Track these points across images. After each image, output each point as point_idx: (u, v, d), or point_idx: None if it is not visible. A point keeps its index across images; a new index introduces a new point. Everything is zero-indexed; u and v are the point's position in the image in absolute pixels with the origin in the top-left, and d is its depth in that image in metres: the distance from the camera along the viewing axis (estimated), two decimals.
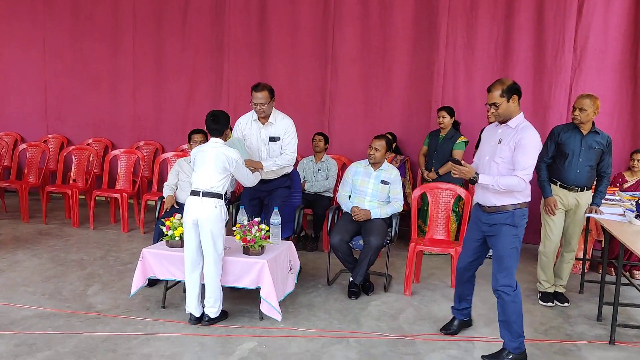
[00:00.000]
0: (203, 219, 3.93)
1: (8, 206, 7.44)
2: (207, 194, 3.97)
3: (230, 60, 7.54)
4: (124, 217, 6.60)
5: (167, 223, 4.31)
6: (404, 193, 6.59)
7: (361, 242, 4.78)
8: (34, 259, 5.48)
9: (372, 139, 5.02)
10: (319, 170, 6.31)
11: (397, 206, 4.96)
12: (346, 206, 5.00)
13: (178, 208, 5.20)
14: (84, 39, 8.06)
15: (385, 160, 5.06)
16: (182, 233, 4.23)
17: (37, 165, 7.35)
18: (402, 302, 4.74)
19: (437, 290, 5.06)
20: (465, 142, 6.15)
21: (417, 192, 5.21)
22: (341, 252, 4.76)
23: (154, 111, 7.99)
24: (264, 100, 4.59)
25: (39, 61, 8.28)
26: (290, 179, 4.98)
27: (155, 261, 4.23)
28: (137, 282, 4.24)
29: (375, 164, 4.98)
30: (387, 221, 4.97)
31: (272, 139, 4.76)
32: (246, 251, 4.16)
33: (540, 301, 4.77)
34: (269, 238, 4.25)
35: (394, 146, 6.73)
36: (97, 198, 6.76)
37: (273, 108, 4.76)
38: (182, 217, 4.24)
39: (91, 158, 7.35)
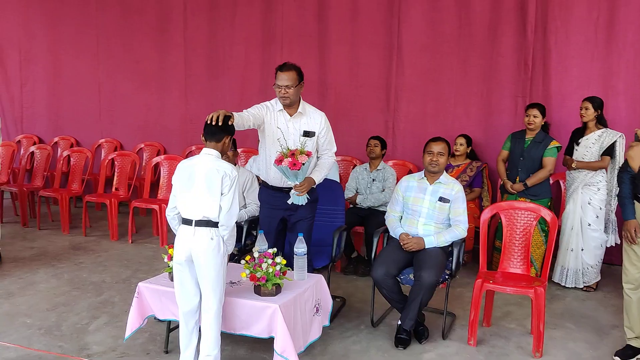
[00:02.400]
0: (197, 254, 3.12)
1: (55, 214, 7.08)
2: (200, 223, 3.12)
3: (284, 53, 6.71)
4: (162, 230, 6.01)
5: (170, 251, 3.55)
6: (481, 207, 5.55)
7: (411, 276, 3.81)
8: (52, 280, 4.97)
9: (428, 142, 4.02)
10: (373, 180, 5.36)
11: (460, 231, 3.93)
12: (394, 231, 4.04)
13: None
14: (134, 35, 7.57)
15: (445, 172, 4.04)
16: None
17: (81, 172, 6.93)
18: (465, 354, 3.71)
19: (512, 337, 3.97)
20: (557, 147, 5.00)
21: (487, 214, 4.13)
22: (386, 289, 3.80)
23: (206, 112, 7.31)
24: (291, 82, 3.68)
25: (93, 61, 7.89)
26: (316, 190, 3.96)
27: (153, 298, 3.50)
28: (133, 323, 3.51)
29: (433, 176, 3.98)
30: (447, 249, 3.95)
31: (307, 133, 3.80)
32: (257, 291, 3.32)
33: (615, 356, 3.63)
34: (287, 273, 3.39)
35: (469, 150, 5.67)
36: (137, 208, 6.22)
37: (301, 99, 3.85)
38: None
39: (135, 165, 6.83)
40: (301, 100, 3.84)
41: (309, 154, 3.56)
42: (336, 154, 6.09)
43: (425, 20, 6.06)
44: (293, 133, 3.79)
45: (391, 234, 4.08)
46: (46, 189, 6.88)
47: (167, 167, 6.49)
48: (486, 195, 5.72)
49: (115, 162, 6.79)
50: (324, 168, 3.87)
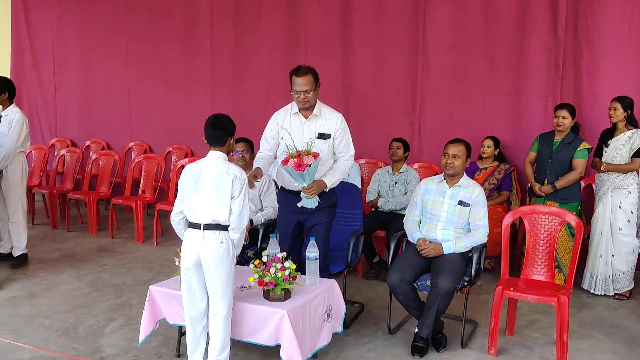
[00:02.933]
0: (206, 259, 3.07)
1: (84, 216, 7.18)
2: (209, 227, 3.07)
3: (308, 56, 6.65)
4: None
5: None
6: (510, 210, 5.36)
7: (428, 282, 3.68)
8: (74, 281, 5.02)
9: (446, 144, 3.89)
10: (396, 183, 5.24)
11: (480, 236, 3.79)
12: (412, 236, 3.92)
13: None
14: (162, 40, 7.63)
15: (465, 175, 3.90)
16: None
17: (109, 175, 7.01)
18: None
19: (536, 347, 3.80)
20: (588, 149, 4.80)
21: (508, 219, 3.97)
22: (402, 295, 3.69)
23: (233, 115, 7.26)
24: (309, 87, 3.61)
25: (122, 66, 7.99)
26: (335, 194, 3.90)
27: (164, 302, 3.47)
28: (146, 326, 3.49)
29: (452, 178, 3.85)
30: (467, 255, 3.82)
31: (322, 135, 3.71)
32: (266, 295, 3.26)
33: None
34: (298, 278, 3.32)
35: (497, 153, 5.50)
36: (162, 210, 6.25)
37: (317, 101, 3.76)
38: None
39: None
40: (317, 101, 3.77)
41: (315, 155, 3.48)
42: (361, 156, 6.21)
43: (451, 20, 5.91)
44: (308, 135, 3.72)
45: (409, 238, 3.97)
46: (75, 192, 6.98)
47: None
48: (515, 199, 5.53)
49: (142, 165, 6.83)
50: (338, 172, 3.77)
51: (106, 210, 7.58)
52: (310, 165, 3.45)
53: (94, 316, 4.26)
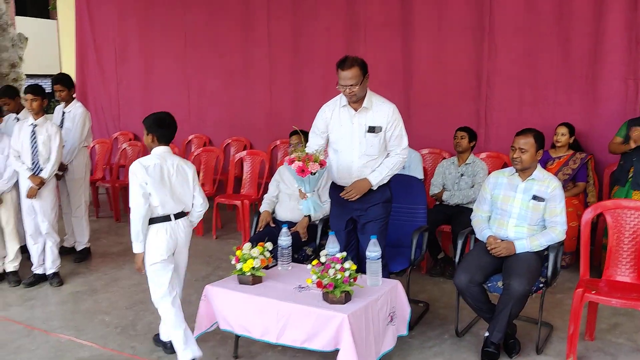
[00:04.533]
0: (180, 244, 3.48)
1: None
2: (179, 215, 3.42)
3: (367, 42, 6.41)
4: (245, 226, 5.93)
5: (238, 253, 3.41)
6: (586, 203, 4.99)
7: (500, 284, 3.41)
8: (134, 276, 5.01)
9: (515, 136, 3.59)
10: (462, 175, 4.95)
11: (557, 234, 3.48)
12: (481, 233, 3.65)
13: (274, 227, 4.30)
14: (219, 31, 7.54)
15: (539, 166, 3.59)
16: (254, 267, 3.32)
17: None
18: None
19: (619, 354, 3.49)
20: None
21: (589, 214, 3.64)
22: (470, 297, 3.44)
23: (291, 106, 7.19)
24: (355, 80, 3.34)
25: (181, 58, 7.98)
26: (390, 189, 3.66)
27: (218, 302, 3.36)
28: (201, 324, 3.41)
29: (524, 172, 3.56)
30: (542, 254, 3.52)
31: (372, 129, 3.46)
32: (326, 298, 3.09)
33: None
34: (358, 279, 3.12)
35: (571, 141, 5.11)
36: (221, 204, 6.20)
37: (367, 89, 3.50)
38: (272, 244, 3.48)
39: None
40: (368, 92, 3.51)
41: (322, 164, 3.27)
42: (423, 146, 5.93)
43: None
44: (358, 129, 3.49)
45: (478, 236, 3.70)
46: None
47: (250, 163, 6.42)
48: (592, 191, 5.14)
49: (201, 158, 6.81)
50: (387, 168, 3.53)
51: None
52: (313, 174, 3.26)
53: (152, 313, 4.19)
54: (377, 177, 3.51)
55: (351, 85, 3.35)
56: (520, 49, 5.59)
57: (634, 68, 5.04)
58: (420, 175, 5.18)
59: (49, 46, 14.32)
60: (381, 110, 3.49)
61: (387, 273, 3.61)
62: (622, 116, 4.83)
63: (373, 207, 3.55)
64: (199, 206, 3.53)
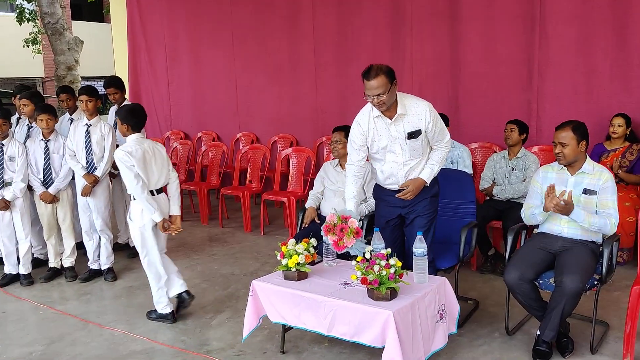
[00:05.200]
0: (165, 214, 4.08)
1: (197, 206, 7.35)
2: (160, 190, 4.09)
3: (414, 34, 6.32)
4: (291, 223, 5.96)
5: (283, 249, 3.42)
6: None
7: (552, 281, 3.31)
8: (186, 271, 5.08)
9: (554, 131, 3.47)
10: (513, 169, 4.82)
11: (610, 225, 3.32)
12: (533, 217, 3.53)
13: (319, 223, 4.30)
14: (266, 28, 7.59)
15: (588, 159, 3.46)
16: (299, 263, 3.33)
17: (218, 166, 7.13)
18: None
19: None
20: None
21: None
22: (521, 295, 3.35)
23: (337, 101, 7.16)
24: (383, 89, 3.21)
25: (229, 57, 8.08)
26: (437, 183, 3.60)
27: (265, 297, 3.39)
28: (250, 322, 3.43)
29: (572, 166, 3.43)
30: (597, 250, 3.39)
31: (412, 135, 3.38)
32: (371, 294, 3.07)
33: None
34: (404, 276, 3.09)
35: (628, 132, 4.91)
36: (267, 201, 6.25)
37: (397, 93, 3.37)
38: (316, 240, 3.48)
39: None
40: (398, 96, 3.37)
41: (358, 234, 3.20)
42: (473, 140, 5.81)
43: None
44: (397, 137, 3.41)
45: (531, 222, 3.58)
46: (187, 182, 7.19)
47: (296, 159, 6.45)
48: None
49: (249, 156, 6.88)
50: (436, 163, 3.49)
51: (217, 200, 7.73)
52: (348, 248, 3.25)
53: (202, 308, 4.29)
54: (429, 174, 3.48)
55: (379, 94, 3.24)
56: (572, 37, 5.40)
57: None
58: (469, 170, 5.07)
59: (104, 49, 14.75)
60: (416, 113, 3.38)
61: (434, 270, 3.56)
62: None
63: (421, 202, 3.50)
64: (174, 178, 4.20)
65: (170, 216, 4.13)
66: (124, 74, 9.24)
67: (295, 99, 7.53)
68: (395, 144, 3.43)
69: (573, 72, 5.45)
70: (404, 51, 6.44)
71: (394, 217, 3.62)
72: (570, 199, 3.27)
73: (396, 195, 3.49)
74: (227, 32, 8.02)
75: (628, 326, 3.21)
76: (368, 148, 3.53)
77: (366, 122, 3.46)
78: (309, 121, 7.43)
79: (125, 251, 5.62)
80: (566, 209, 3.27)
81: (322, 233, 3.36)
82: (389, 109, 3.36)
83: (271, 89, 7.72)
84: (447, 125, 5.01)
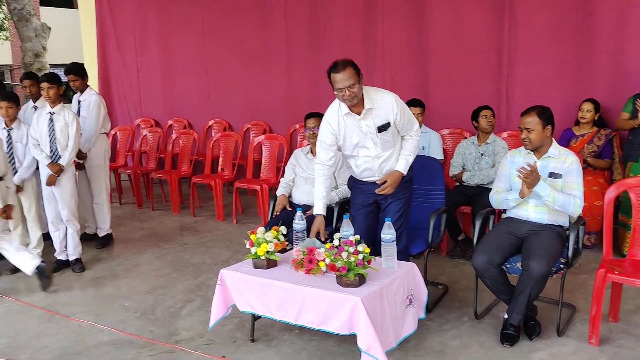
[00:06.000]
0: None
1: (168, 195, 7.27)
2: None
3: (385, 20, 6.29)
4: (264, 211, 5.93)
5: (252, 237, 3.39)
6: (612, 181, 4.86)
7: (519, 265, 3.34)
8: (155, 261, 5.06)
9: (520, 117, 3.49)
10: (482, 155, 4.84)
11: (575, 205, 3.34)
12: (505, 201, 3.55)
13: (291, 211, 4.28)
14: (236, 14, 7.50)
15: (554, 143, 3.49)
16: (268, 251, 3.30)
17: (189, 154, 7.05)
18: (584, 355, 3.21)
19: None
20: None
21: (611, 193, 3.52)
22: (489, 279, 3.37)
23: (310, 88, 7.10)
24: (353, 80, 3.19)
25: (200, 42, 7.96)
26: (412, 170, 3.60)
27: (233, 286, 3.36)
28: (217, 311, 3.39)
29: (538, 150, 3.46)
30: (563, 234, 3.42)
31: (382, 128, 3.38)
32: (339, 281, 3.06)
33: None
34: (372, 262, 3.08)
35: (596, 117, 4.98)
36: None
37: (364, 90, 3.35)
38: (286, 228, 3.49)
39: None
40: (364, 91, 3.35)
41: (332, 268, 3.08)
42: (443, 126, 5.82)
43: None
44: (368, 132, 3.41)
45: (502, 206, 3.61)
46: (158, 171, 7.09)
47: (269, 147, 6.40)
48: (618, 168, 4.99)
49: (220, 143, 6.80)
50: (410, 153, 3.51)
51: (189, 188, 7.65)
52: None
53: (171, 297, 4.25)
54: (405, 165, 3.50)
55: (350, 85, 3.20)
56: (541, 24, 5.43)
57: None
58: (440, 155, 5.09)
59: (74, 36, 14.44)
60: (384, 106, 3.37)
61: (407, 256, 3.57)
62: None
63: (396, 188, 3.51)
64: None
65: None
66: (92, 61, 9.06)
67: (268, 86, 7.46)
68: (367, 139, 3.43)
69: (542, 59, 5.48)
70: (375, 38, 6.41)
71: (369, 204, 3.63)
72: (535, 169, 3.30)
73: (375, 191, 3.51)
74: (197, 19, 7.90)
75: (593, 309, 3.27)
76: (339, 147, 3.53)
77: (336, 121, 3.44)
78: (282, 108, 7.38)
79: (93, 241, 5.53)
80: (531, 177, 3.29)
81: (294, 223, 3.33)
82: (356, 105, 3.34)
83: (243, 76, 7.64)
84: (423, 110, 5.04)
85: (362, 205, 3.66)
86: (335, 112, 3.44)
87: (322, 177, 3.56)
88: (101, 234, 5.52)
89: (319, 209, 3.53)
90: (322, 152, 3.55)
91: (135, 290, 4.41)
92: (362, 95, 3.33)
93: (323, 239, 3.48)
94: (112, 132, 8.00)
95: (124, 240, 5.73)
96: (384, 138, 3.42)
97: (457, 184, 4.98)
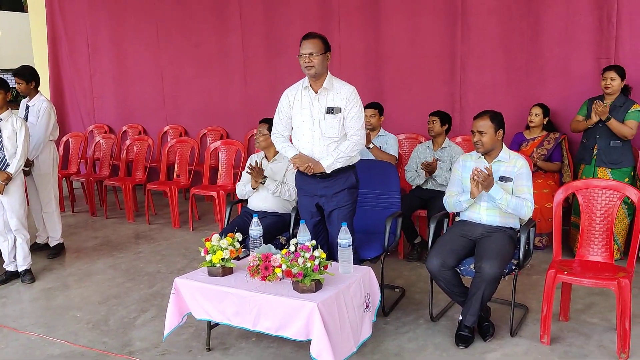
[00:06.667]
0: None
1: (123, 203, 7.11)
2: None
3: (342, 27, 6.34)
4: (221, 217, 5.87)
5: (207, 244, 3.35)
6: (562, 184, 5.00)
7: (472, 267, 3.39)
8: (109, 270, 4.95)
9: (472, 120, 3.58)
10: (438, 160, 4.91)
11: (526, 208, 3.43)
12: (458, 203, 3.60)
13: (247, 218, 4.25)
14: (192, 19, 7.42)
15: (505, 147, 3.57)
16: (223, 258, 3.27)
17: (144, 160, 6.93)
18: (536, 354, 3.28)
19: (594, 334, 3.48)
20: None
21: (560, 195, 3.62)
22: (443, 281, 3.42)
23: (267, 93, 7.06)
24: (314, 50, 3.37)
25: (154, 46, 7.83)
26: (355, 174, 3.62)
27: (189, 295, 3.31)
28: (172, 320, 3.33)
29: (489, 155, 3.54)
30: (515, 236, 3.50)
31: (331, 110, 3.44)
32: (296, 287, 3.05)
33: None
34: (329, 267, 3.08)
35: (545, 121, 5.12)
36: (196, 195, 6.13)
37: (329, 74, 3.51)
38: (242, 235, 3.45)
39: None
40: (329, 75, 3.51)
41: (288, 274, 3.05)
42: (400, 131, 5.88)
43: None
44: (318, 111, 3.48)
45: (456, 209, 3.67)
46: (112, 178, 6.94)
47: (226, 152, 6.34)
48: (567, 171, 5.14)
49: (176, 149, 6.71)
50: (342, 154, 3.47)
51: (144, 195, 7.52)
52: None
53: (125, 307, 4.15)
54: (330, 163, 3.47)
55: (310, 54, 3.36)
56: (493, 31, 5.56)
57: (606, 47, 5.03)
58: (395, 153, 5.15)
59: (23, 40, 14.05)
60: (341, 92, 3.48)
61: (357, 260, 3.59)
62: (594, 95, 4.81)
63: (338, 194, 3.53)
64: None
65: None
66: (43, 66, 8.81)
67: (225, 91, 7.41)
68: (315, 118, 3.49)
69: (493, 65, 5.62)
70: (332, 43, 6.36)
71: (313, 208, 3.64)
72: (490, 172, 3.36)
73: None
74: (151, 23, 7.78)
75: (544, 309, 3.34)
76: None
77: (294, 92, 3.58)
78: (239, 113, 7.34)
79: (44, 251, 5.37)
80: (487, 180, 3.35)
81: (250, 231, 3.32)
82: (316, 82, 3.46)
83: (200, 81, 7.56)
84: (379, 113, 5.08)
85: (307, 209, 3.68)
86: (297, 86, 3.60)
87: (282, 142, 3.66)
88: (52, 243, 5.36)
89: (293, 151, 3.58)
90: (279, 123, 3.66)
91: (88, 301, 4.30)
92: (325, 77, 3.45)
93: (311, 165, 3.48)
94: (64, 138, 7.82)
95: (76, 249, 5.58)
96: (329, 122, 3.46)
97: (413, 187, 5.04)
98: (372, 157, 4.79)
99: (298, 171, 3.65)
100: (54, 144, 5.27)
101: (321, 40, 3.43)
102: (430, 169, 4.80)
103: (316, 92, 3.48)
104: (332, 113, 3.45)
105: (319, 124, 3.47)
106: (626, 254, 3.76)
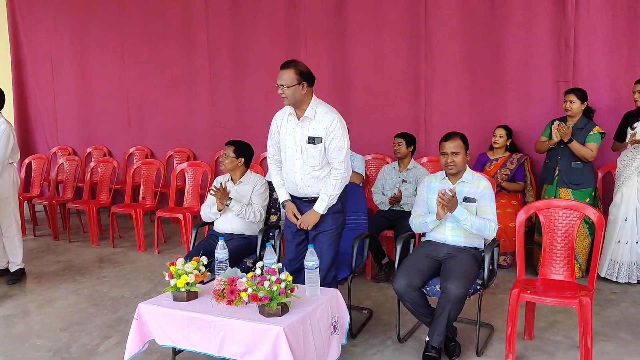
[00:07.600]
0: None
1: (87, 226, 6.98)
2: None
3: (308, 48, 6.40)
4: (187, 240, 5.80)
5: (171, 268, 3.30)
6: (525, 203, 5.09)
7: (438, 287, 3.42)
8: (71, 296, 4.83)
9: (440, 141, 3.62)
10: (403, 181, 4.96)
11: (490, 228, 3.48)
12: (424, 224, 3.63)
13: (213, 240, 4.20)
14: (158, 40, 7.41)
15: (468, 168, 3.64)
16: (188, 282, 3.22)
17: (108, 183, 6.82)
18: None
19: (557, 352, 3.53)
20: (601, 133, 4.61)
21: (522, 215, 3.68)
22: (410, 302, 3.43)
23: (234, 114, 7.10)
24: (287, 82, 3.30)
25: (119, 69, 7.78)
26: (342, 199, 3.59)
27: (152, 320, 3.24)
28: (132, 347, 3.22)
29: (454, 175, 3.59)
30: (479, 257, 3.54)
31: (311, 140, 3.41)
32: (262, 311, 3.02)
33: None
34: (296, 290, 3.07)
35: (509, 143, 5.22)
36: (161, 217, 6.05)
37: (314, 99, 3.44)
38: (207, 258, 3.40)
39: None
40: (313, 101, 3.44)
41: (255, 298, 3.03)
42: (366, 152, 5.93)
43: (454, 2, 5.60)
44: (300, 139, 3.47)
45: (421, 230, 3.70)
46: (75, 201, 6.81)
47: (192, 174, 6.29)
48: (530, 190, 5.25)
49: (142, 171, 6.63)
50: (330, 194, 3.47)
51: (108, 218, 7.39)
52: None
53: (88, 334, 4.05)
54: (323, 206, 3.49)
55: (281, 85, 3.34)
56: (456, 53, 5.68)
57: (564, 70, 5.19)
58: (361, 171, 5.17)
59: None
60: (323, 121, 3.42)
61: (336, 283, 3.59)
62: (554, 117, 4.94)
63: (322, 218, 3.53)
64: None
65: None
66: (7, 87, 8.60)
67: (192, 112, 7.38)
68: (297, 146, 3.48)
69: (457, 86, 5.73)
70: None
71: (297, 228, 3.63)
72: (454, 194, 3.41)
73: (296, 224, 3.61)
74: (116, 43, 7.73)
75: (509, 328, 3.37)
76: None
77: (281, 118, 3.57)
78: (206, 135, 7.31)
79: (4, 277, 5.21)
80: (451, 201, 3.39)
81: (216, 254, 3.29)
82: (299, 109, 3.44)
83: (166, 102, 7.52)
84: None
85: (290, 230, 3.69)
86: (285, 110, 3.57)
87: (275, 169, 3.72)
88: (12, 269, 5.21)
89: (284, 196, 3.65)
90: (270, 146, 3.69)
91: (49, 328, 4.17)
92: (308, 104, 3.42)
93: (299, 218, 3.57)
94: (26, 161, 7.66)
95: (37, 274, 5.44)
96: (310, 152, 3.44)
97: (379, 209, 5.08)
98: None
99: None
100: (14, 167, 5.14)
101: (295, 70, 3.32)
102: (394, 201, 4.86)
103: (299, 120, 3.46)
104: (313, 143, 3.42)
105: (300, 152, 3.46)
106: (588, 272, 3.84)
